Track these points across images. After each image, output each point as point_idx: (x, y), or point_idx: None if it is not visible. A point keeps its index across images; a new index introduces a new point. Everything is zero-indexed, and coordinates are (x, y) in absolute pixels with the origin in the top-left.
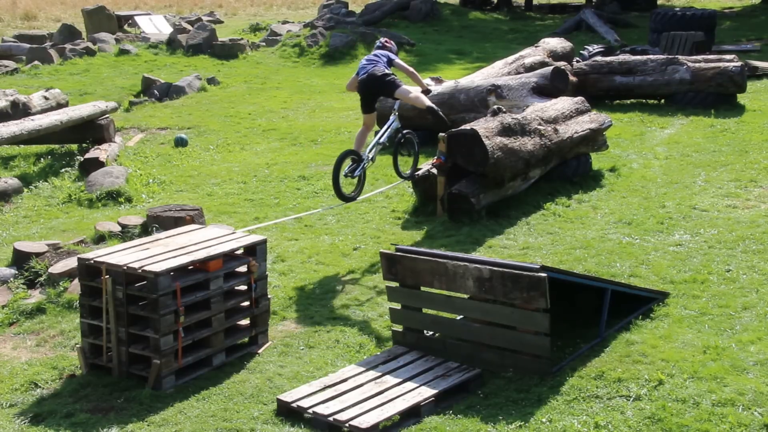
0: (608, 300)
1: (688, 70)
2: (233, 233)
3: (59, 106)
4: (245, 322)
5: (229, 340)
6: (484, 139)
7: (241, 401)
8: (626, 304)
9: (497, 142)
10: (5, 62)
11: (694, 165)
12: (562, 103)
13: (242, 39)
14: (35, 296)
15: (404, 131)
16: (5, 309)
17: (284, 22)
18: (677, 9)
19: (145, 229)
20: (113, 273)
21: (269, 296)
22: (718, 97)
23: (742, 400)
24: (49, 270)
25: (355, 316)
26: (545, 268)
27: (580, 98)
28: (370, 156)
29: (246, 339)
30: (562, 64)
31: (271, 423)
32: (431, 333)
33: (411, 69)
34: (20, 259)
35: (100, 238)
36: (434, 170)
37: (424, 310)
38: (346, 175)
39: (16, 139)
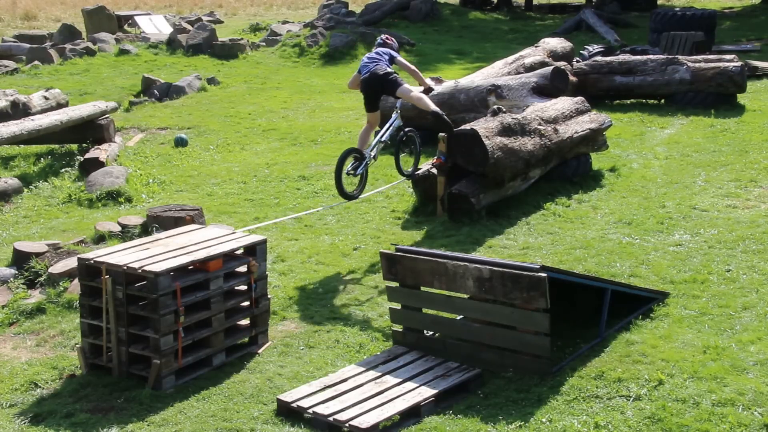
0: (608, 300)
1: (688, 70)
2: (233, 233)
3: (59, 106)
4: (245, 322)
5: (229, 340)
6: (484, 139)
7: (241, 401)
8: (626, 304)
9: (497, 142)
10: (5, 62)
11: (694, 165)
12: (562, 103)
13: (242, 39)
14: (35, 296)
15: (406, 129)
16: (5, 309)
17: (284, 22)
18: (677, 9)
19: (145, 229)
20: (113, 273)
21: (269, 296)
22: (718, 97)
23: (742, 400)
24: (49, 270)
25: (355, 316)
26: (545, 268)
27: (580, 98)
28: (373, 154)
29: (246, 339)
30: (562, 64)
31: (271, 423)
32: (431, 333)
33: (412, 67)
34: (20, 259)
35: (100, 238)
36: (434, 170)
37: (424, 310)
38: (348, 174)
39: (16, 139)
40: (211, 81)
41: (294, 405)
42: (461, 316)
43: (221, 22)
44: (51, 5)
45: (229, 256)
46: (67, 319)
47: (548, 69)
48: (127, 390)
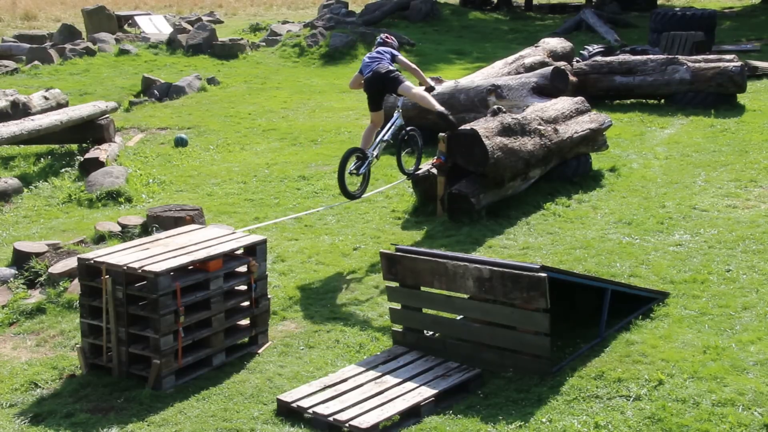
0: (608, 300)
1: (688, 70)
2: (233, 233)
3: (59, 106)
4: (245, 322)
5: (229, 340)
6: (484, 139)
7: (241, 401)
8: (626, 304)
9: (497, 142)
10: (5, 62)
11: (694, 165)
12: (562, 103)
13: (242, 39)
14: (35, 296)
15: (408, 128)
16: (5, 309)
17: (284, 22)
18: (677, 9)
19: (145, 229)
20: (113, 273)
21: (269, 296)
22: (718, 97)
23: (742, 400)
24: (49, 270)
25: (355, 316)
26: (545, 268)
27: (580, 98)
28: (375, 153)
29: (246, 339)
30: (562, 64)
31: (271, 423)
32: (431, 333)
33: (414, 66)
34: (20, 259)
35: (100, 238)
36: (434, 170)
37: (424, 310)
38: (351, 173)
39: (16, 139)
40: (211, 81)
41: (294, 405)
42: (461, 316)
43: (221, 22)
44: (51, 5)
45: (229, 256)
46: (67, 319)
47: (548, 69)
48: (127, 390)
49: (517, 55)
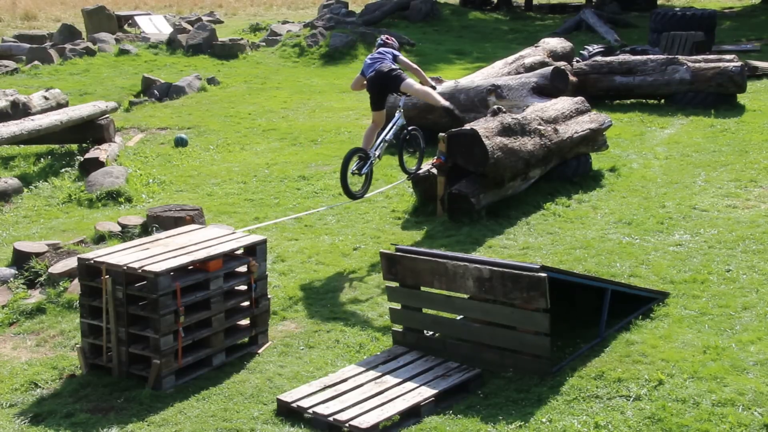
0: (608, 300)
1: (688, 70)
2: (233, 233)
3: (59, 106)
4: (245, 322)
5: (229, 340)
6: (484, 139)
7: (241, 401)
8: (626, 304)
9: (497, 142)
10: (5, 62)
11: (694, 165)
12: (562, 103)
13: (242, 39)
14: (35, 296)
15: (409, 128)
16: (5, 309)
17: (284, 22)
18: (677, 9)
19: (145, 229)
20: (113, 273)
21: (269, 296)
22: (718, 97)
23: (742, 400)
24: (49, 270)
25: (355, 316)
26: (545, 268)
27: (580, 98)
28: (377, 153)
29: (246, 339)
30: (562, 64)
31: (271, 423)
32: (431, 333)
33: (415, 66)
34: (20, 259)
35: (100, 238)
36: (434, 170)
37: (424, 310)
38: (353, 173)
39: (16, 139)
40: (211, 81)
41: (294, 405)
42: (461, 316)
43: (221, 22)
44: (51, 5)
45: (229, 256)
46: (67, 319)
47: (548, 69)
48: (127, 390)
49: (517, 55)
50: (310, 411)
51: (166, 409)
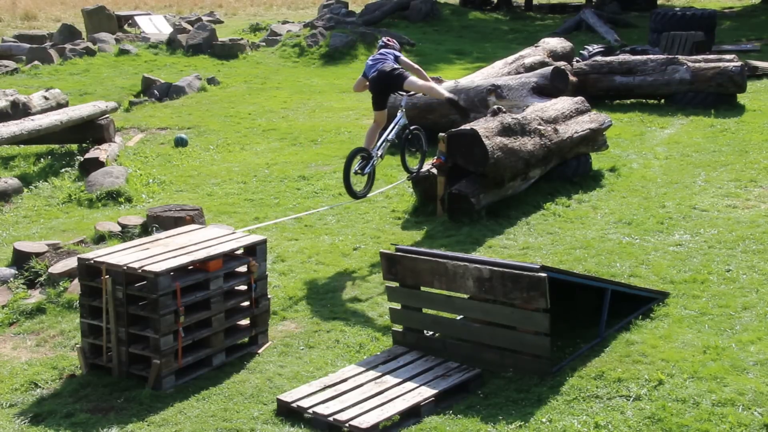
0: (608, 300)
1: (688, 70)
2: (233, 233)
3: (59, 106)
4: (245, 322)
5: (229, 340)
6: (484, 139)
7: (241, 401)
8: (626, 304)
9: (497, 142)
10: (5, 62)
11: (694, 165)
12: (562, 103)
13: (242, 39)
14: (35, 296)
15: (411, 127)
16: (5, 309)
17: (284, 22)
18: (677, 9)
19: (145, 229)
20: (113, 273)
21: (269, 296)
22: (718, 97)
23: (742, 400)
24: (49, 270)
25: (355, 316)
26: (545, 268)
27: (580, 98)
28: (379, 153)
29: (246, 339)
30: (562, 64)
31: (271, 423)
32: (431, 333)
33: (416, 66)
34: (20, 259)
35: (100, 238)
36: (434, 170)
37: (424, 310)
38: (356, 173)
39: (16, 139)
40: (211, 81)
41: (294, 405)
42: (461, 316)
43: (221, 22)
44: (51, 5)
45: (229, 256)
46: (67, 319)
47: (548, 69)
48: (127, 390)
49: (517, 55)
50: (310, 411)
51: (166, 409)
